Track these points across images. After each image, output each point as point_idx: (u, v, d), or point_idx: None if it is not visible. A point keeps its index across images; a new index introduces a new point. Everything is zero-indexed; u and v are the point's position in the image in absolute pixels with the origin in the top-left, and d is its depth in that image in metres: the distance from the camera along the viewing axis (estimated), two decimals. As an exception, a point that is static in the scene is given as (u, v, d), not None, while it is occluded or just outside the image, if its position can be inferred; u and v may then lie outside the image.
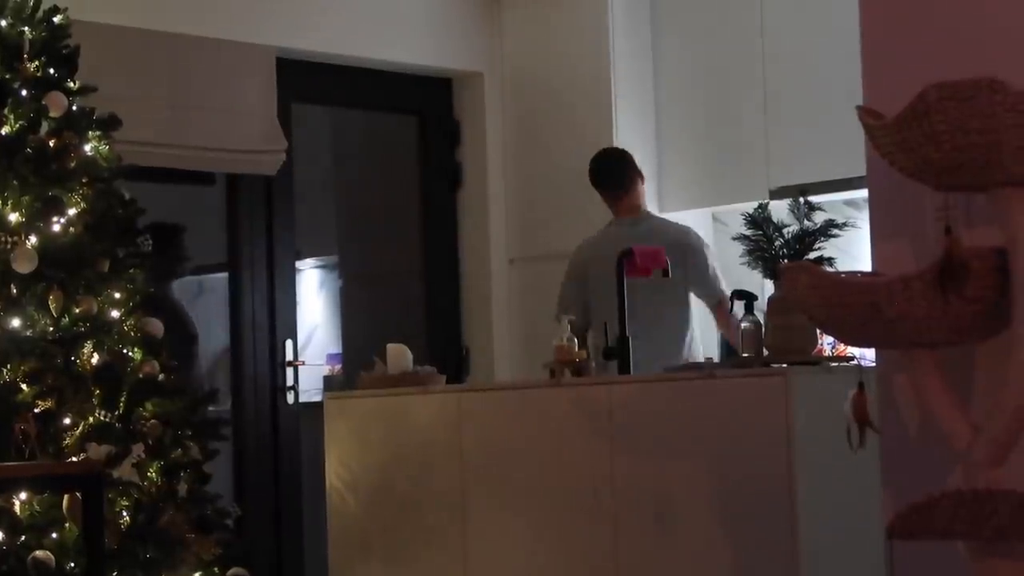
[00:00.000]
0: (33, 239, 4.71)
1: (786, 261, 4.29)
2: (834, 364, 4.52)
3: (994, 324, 2.85)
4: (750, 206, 4.76)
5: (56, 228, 4.77)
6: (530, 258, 7.27)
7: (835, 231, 4.37)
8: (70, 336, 4.69)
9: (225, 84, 6.48)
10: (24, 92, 4.85)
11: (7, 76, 4.85)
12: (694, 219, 6.56)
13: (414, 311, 7.49)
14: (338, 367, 8.67)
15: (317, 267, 9.18)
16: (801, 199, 4.42)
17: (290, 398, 6.84)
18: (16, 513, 4.50)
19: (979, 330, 2.87)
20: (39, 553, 4.41)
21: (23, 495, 4.50)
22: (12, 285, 4.68)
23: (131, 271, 4.95)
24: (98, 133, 4.98)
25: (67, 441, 4.61)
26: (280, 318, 6.85)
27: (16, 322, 4.65)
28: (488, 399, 5.23)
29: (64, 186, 4.82)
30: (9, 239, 4.68)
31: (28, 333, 4.66)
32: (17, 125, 4.80)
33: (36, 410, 4.56)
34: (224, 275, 7.02)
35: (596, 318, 5.65)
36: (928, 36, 3.11)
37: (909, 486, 3.08)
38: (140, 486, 4.71)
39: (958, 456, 2.93)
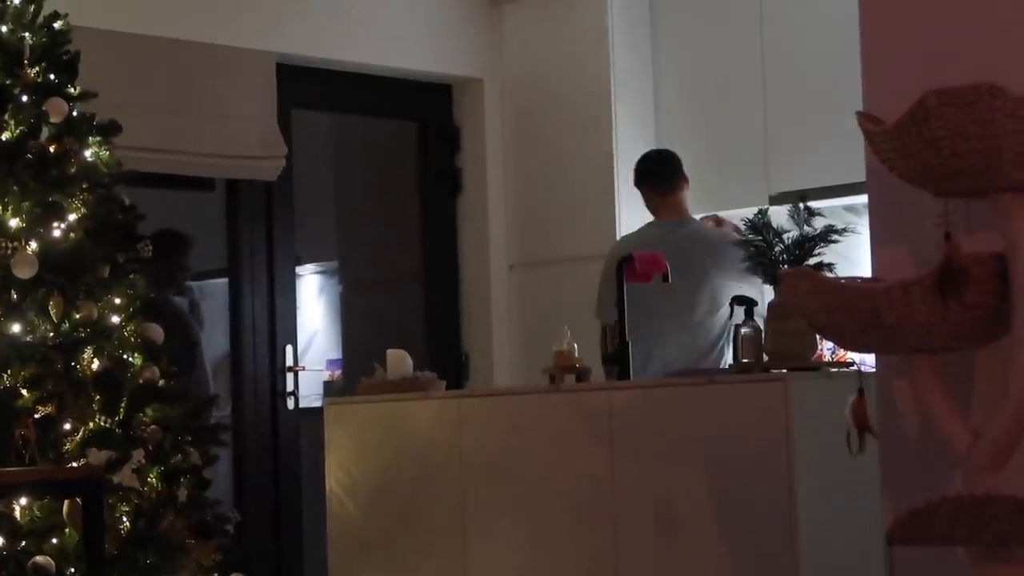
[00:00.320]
0: (33, 245, 4.71)
1: (786, 267, 4.29)
2: (834, 369, 4.52)
3: (994, 330, 2.85)
4: (750, 212, 4.76)
5: (56, 234, 4.77)
6: (530, 264, 7.27)
7: (835, 237, 4.38)
8: (70, 342, 4.69)
9: (225, 90, 6.48)
10: (24, 98, 4.85)
11: (7, 82, 4.85)
12: (694, 225, 6.56)
13: (414, 317, 7.50)
14: (338, 372, 8.68)
15: (317, 273, 9.19)
16: (801, 205, 4.43)
17: (290, 403, 6.85)
18: (16, 518, 4.50)
19: (979, 336, 2.88)
20: (39, 558, 4.41)
21: (23, 500, 4.49)
22: (12, 290, 4.67)
23: (131, 277, 4.95)
24: (98, 139, 4.98)
25: (67, 446, 4.60)
26: (280, 323, 6.85)
27: (16, 327, 4.65)
28: (488, 404, 5.24)
29: (64, 192, 4.82)
30: (9, 244, 4.68)
31: (28, 338, 4.65)
32: (17, 131, 4.80)
33: (36, 415, 4.56)
34: (224, 281, 7.03)
35: (632, 316, 5.68)
36: (928, 42, 3.12)
37: (909, 491, 3.08)
38: (140, 491, 4.71)
39: (958, 461, 2.93)
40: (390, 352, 5.53)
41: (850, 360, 4.86)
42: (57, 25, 4.99)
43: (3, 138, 4.78)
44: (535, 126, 7.27)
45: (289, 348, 6.86)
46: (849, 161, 4.42)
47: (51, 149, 4.83)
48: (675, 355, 5.70)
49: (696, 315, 5.73)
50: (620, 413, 4.67)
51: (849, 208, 6.04)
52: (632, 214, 6.86)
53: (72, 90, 4.97)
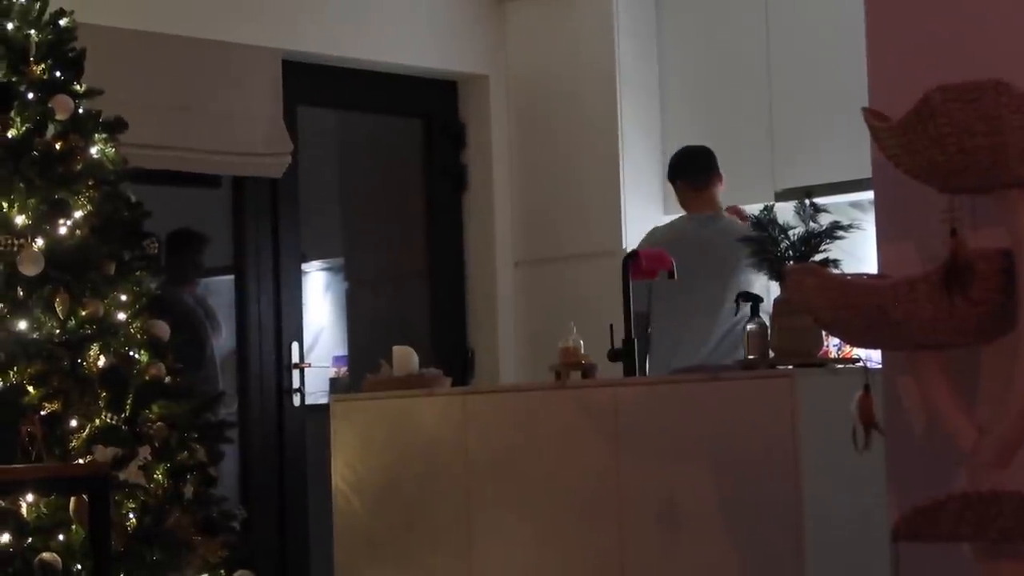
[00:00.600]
0: (39, 242, 4.72)
1: (792, 263, 4.29)
2: (840, 366, 4.52)
3: (1000, 326, 2.85)
4: (756, 208, 4.75)
5: (62, 231, 4.77)
6: (535, 260, 7.27)
7: (841, 233, 4.37)
8: (76, 339, 4.70)
9: (231, 87, 6.48)
10: (30, 95, 4.85)
11: (13, 79, 4.85)
12: (699, 221, 6.56)
13: (420, 313, 7.50)
14: (344, 369, 8.68)
15: (323, 269, 9.19)
16: (807, 201, 4.42)
17: (296, 400, 6.85)
18: (23, 515, 4.51)
19: (985, 332, 2.88)
20: (46, 555, 4.42)
21: (30, 497, 4.50)
22: (18, 287, 4.68)
23: (137, 274, 4.95)
24: (104, 136, 4.98)
25: (73, 443, 4.61)
26: (286, 320, 6.86)
27: (22, 324, 4.65)
28: (493, 401, 5.24)
29: (70, 189, 4.82)
30: (15, 242, 4.68)
31: (34, 335, 4.66)
32: (23, 128, 4.80)
33: (42, 412, 4.56)
34: (230, 278, 7.03)
35: (659, 310, 5.72)
36: (933, 38, 3.11)
37: (915, 488, 3.08)
38: (146, 488, 4.72)
39: (963, 458, 2.93)
40: (396, 349, 5.53)
41: (856, 356, 4.85)
42: (63, 22, 4.99)
43: (9, 135, 4.78)
44: (540, 123, 7.27)
45: (295, 345, 6.87)
46: (855, 157, 4.42)
47: (57, 146, 4.83)
48: (701, 351, 5.72)
49: (723, 311, 5.73)
50: (626, 410, 4.67)
51: (855, 204, 6.04)
52: (638, 211, 6.86)
53: (78, 87, 4.97)
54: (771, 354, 4.44)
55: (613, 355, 5.03)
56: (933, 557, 2.98)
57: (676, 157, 6.16)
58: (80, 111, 4.93)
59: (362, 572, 5.45)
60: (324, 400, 6.73)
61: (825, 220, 4.40)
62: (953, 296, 2.79)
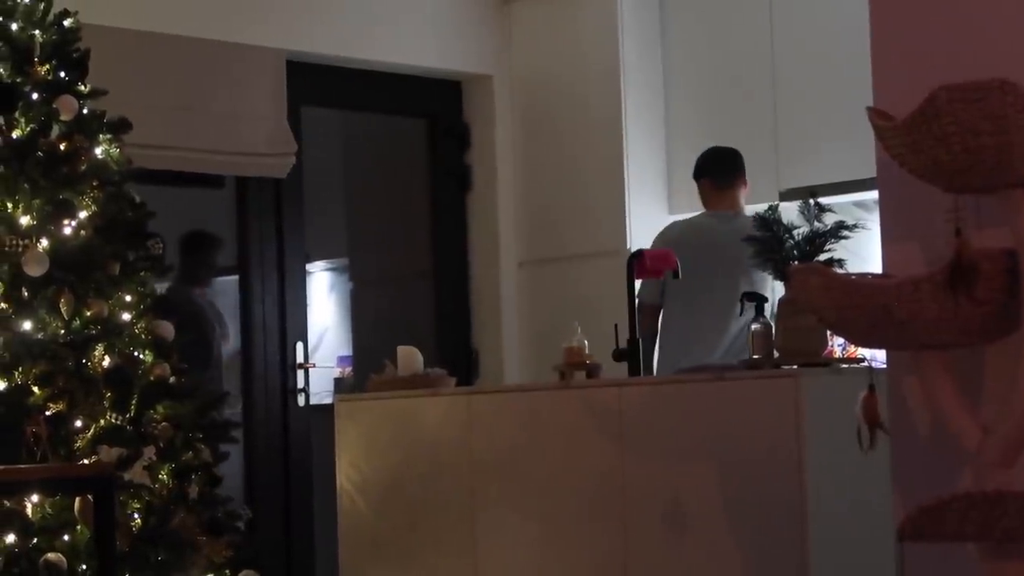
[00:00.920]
0: (44, 242, 4.72)
1: (796, 263, 4.29)
2: (844, 366, 4.52)
3: (1004, 325, 2.85)
4: (760, 207, 4.75)
5: (67, 231, 4.77)
6: (539, 261, 7.27)
7: (845, 233, 4.37)
8: (81, 339, 4.70)
9: (235, 87, 6.49)
10: (35, 95, 4.86)
11: (18, 79, 4.86)
12: (704, 221, 6.56)
13: (424, 313, 7.50)
14: (348, 369, 8.68)
15: (327, 270, 9.19)
16: (811, 201, 4.42)
17: (300, 400, 6.85)
18: (28, 515, 4.51)
19: (989, 332, 2.88)
20: (51, 555, 4.42)
21: (35, 497, 4.50)
22: (23, 288, 4.68)
23: (142, 274, 4.96)
24: (108, 136, 4.98)
25: (78, 444, 4.61)
26: (290, 321, 6.86)
27: (27, 325, 4.66)
28: (498, 401, 5.24)
29: (75, 189, 4.82)
30: (20, 242, 4.68)
31: (39, 336, 4.66)
32: (28, 128, 4.81)
33: (47, 413, 4.57)
34: (234, 278, 7.03)
35: (673, 306, 5.76)
36: (938, 37, 3.11)
37: (919, 487, 3.08)
38: (151, 489, 4.72)
39: (968, 458, 2.93)
40: (400, 349, 5.53)
41: (861, 356, 4.86)
42: (67, 23, 4.99)
43: (13, 136, 4.79)
44: (545, 123, 7.27)
45: (299, 345, 6.87)
46: (859, 157, 4.42)
47: (61, 147, 4.84)
48: (718, 349, 5.73)
49: (736, 309, 5.75)
50: (630, 409, 4.67)
51: (859, 204, 6.04)
52: (642, 210, 6.86)
53: (82, 88, 4.98)
54: (776, 354, 4.44)
55: (618, 355, 5.03)
56: (938, 557, 2.98)
57: (704, 155, 6.19)
58: (84, 111, 4.94)
59: (367, 572, 5.45)
60: (328, 400, 6.73)
61: (830, 220, 4.40)
62: (957, 296, 2.79)
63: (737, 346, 5.75)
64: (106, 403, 4.71)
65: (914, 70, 3.09)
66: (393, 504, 5.38)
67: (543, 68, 7.26)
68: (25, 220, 4.73)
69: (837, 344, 5.71)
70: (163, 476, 4.77)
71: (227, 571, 4.84)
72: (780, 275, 4.47)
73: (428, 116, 7.48)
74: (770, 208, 4.54)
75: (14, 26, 4.91)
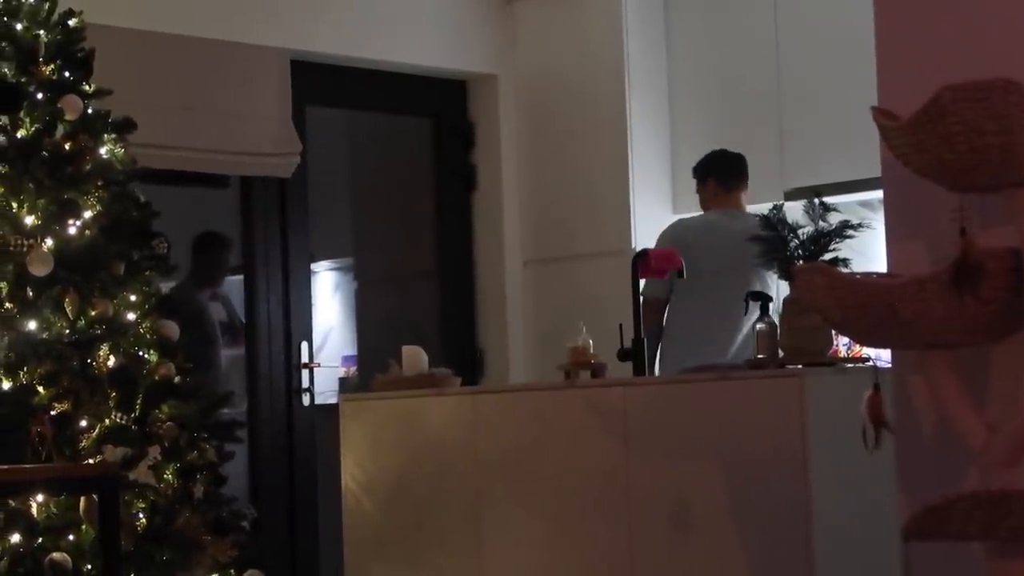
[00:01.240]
0: (49, 242, 4.72)
1: (801, 262, 4.28)
2: (849, 365, 4.51)
3: (1009, 324, 2.85)
4: (765, 207, 4.75)
5: (71, 231, 4.77)
6: (544, 260, 7.27)
7: (850, 232, 4.37)
8: (86, 339, 4.70)
9: (240, 87, 6.49)
10: (40, 95, 4.86)
11: (23, 79, 4.86)
12: (709, 221, 6.56)
13: (429, 313, 7.50)
14: (353, 369, 8.68)
15: (332, 269, 9.19)
16: (816, 200, 4.42)
17: (305, 400, 6.86)
18: (33, 515, 4.51)
19: (994, 331, 2.87)
20: (56, 555, 4.42)
21: (40, 497, 4.50)
22: (28, 288, 4.68)
23: (146, 273, 4.96)
24: (113, 136, 4.98)
25: (83, 443, 4.61)
26: (295, 320, 6.86)
27: (32, 325, 4.66)
28: (503, 401, 5.23)
29: (79, 189, 4.83)
30: (25, 242, 4.68)
31: (44, 336, 4.66)
32: (33, 128, 4.81)
33: (52, 412, 4.57)
34: (239, 278, 7.04)
35: (683, 302, 5.78)
36: (943, 37, 3.11)
37: (925, 487, 3.07)
38: (156, 488, 4.72)
39: (974, 457, 2.93)
40: (405, 348, 5.53)
41: (866, 356, 4.85)
42: (72, 23, 4.99)
43: (18, 135, 4.79)
44: (550, 122, 7.27)
45: (304, 345, 6.87)
46: (864, 156, 4.42)
47: (66, 146, 4.84)
48: (729, 348, 5.73)
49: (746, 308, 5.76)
50: (635, 409, 4.66)
51: (864, 203, 6.04)
52: (647, 210, 6.86)
53: (87, 87, 4.98)
54: (780, 353, 4.44)
55: (623, 355, 5.03)
56: (943, 557, 2.98)
57: (712, 156, 6.22)
58: (89, 111, 4.94)
59: (372, 571, 5.45)
60: (333, 400, 6.73)
61: (834, 219, 4.40)
62: (963, 295, 2.78)
63: (735, 341, 5.77)
64: (111, 403, 4.71)
65: (918, 70, 3.08)
66: (398, 504, 5.38)
67: (548, 68, 7.26)
68: (30, 220, 4.73)
69: (842, 343, 5.71)
70: (168, 476, 4.77)
71: (232, 571, 4.84)
72: (785, 274, 4.47)
73: (433, 116, 7.49)
74: (775, 208, 4.53)
75: (19, 26, 4.91)
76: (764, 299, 4.68)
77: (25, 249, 4.67)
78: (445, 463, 5.23)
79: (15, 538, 4.44)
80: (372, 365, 6.33)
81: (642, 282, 5.38)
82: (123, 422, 4.70)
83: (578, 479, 4.80)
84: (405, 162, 7.89)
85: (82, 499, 4.47)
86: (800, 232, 4.40)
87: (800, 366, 4.33)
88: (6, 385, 4.58)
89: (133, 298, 4.89)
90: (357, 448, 5.53)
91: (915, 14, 3.18)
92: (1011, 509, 2.78)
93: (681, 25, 7.08)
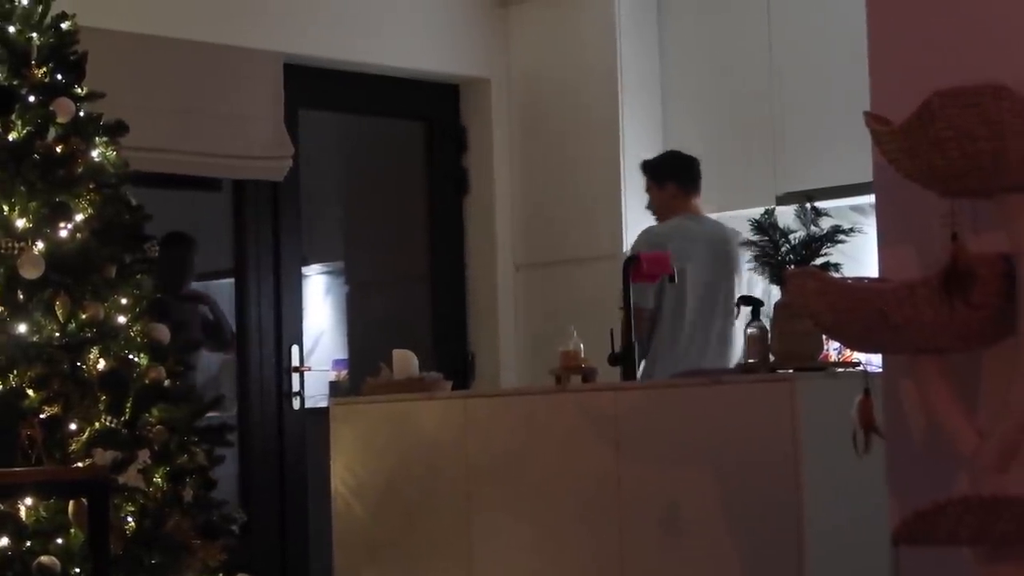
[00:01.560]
0: (40, 245, 4.71)
1: (792, 267, 4.29)
2: (840, 370, 4.52)
3: (1000, 330, 2.85)
4: (757, 212, 4.75)
5: (63, 234, 4.76)
6: (536, 264, 7.27)
7: (841, 237, 4.37)
8: (76, 342, 4.69)
9: (232, 90, 6.49)
10: (32, 98, 4.85)
11: (15, 82, 4.85)
12: (700, 225, 6.56)
13: (420, 317, 7.50)
14: (344, 373, 8.68)
15: (323, 273, 9.19)
16: (808, 205, 4.42)
17: (296, 404, 6.85)
18: (22, 519, 4.50)
19: (985, 336, 2.87)
20: (44, 559, 4.41)
21: (29, 500, 4.49)
22: (19, 291, 4.67)
23: (138, 277, 4.95)
24: (105, 139, 4.97)
25: (73, 447, 4.60)
26: (286, 324, 6.85)
27: (22, 328, 4.65)
28: (494, 405, 5.23)
29: (71, 192, 4.81)
30: (16, 245, 4.67)
31: (34, 339, 4.65)
32: (24, 131, 4.80)
33: (42, 416, 4.56)
34: (230, 281, 7.03)
35: (674, 309, 5.79)
36: (935, 42, 3.11)
37: (915, 492, 3.07)
38: (146, 492, 4.71)
39: (964, 462, 2.93)
40: (396, 352, 5.53)
41: (856, 360, 4.86)
42: (64, 25, 4.98)
43: (10, 138, 4.78)
44: (542, 126, 7.27)
45: (295, 348, 6.86)
46: (856, 161, 4.41)
47: (58, 149, 4.83)
48: (720, 354, 5.74)
49: (722, 308, 5.76)
50: (626, 414, 4.66)
51: (856, 208, 6.04)
52: (639, 214, 6.85)
53: (79, 90, 4.97)
54: (771, 358, 4.44)
55: (613, 359, 5.03)
56: (934, 561, 2.98)
57: (671, 159, 6.16)
58: (81, 114, 4.93)
59: (362, 575, 5.44)
60: (324, 404, 6.73)
61: (826, 224, 4.40)
62: (953, 300, 2.78)
63: (723, 346, 5.75)
64: (101, 406, 4.70)
65: (911, 75, 3.09)
66: (388, 508, 5.38)
67: (541, 71, 7.27)
68: (21, 223, 4.72)
69: (833, 348, 5.71)
70: (158, 479, 4.76)
71: (221, 575, 4.83)
72: (776, 279, 4.47)
73: (425, 119, 7.49)
74: (767, 212, 4.54)
75: (11, 28, 4.89)
76: (755, 303, 4.68)
77: (16, 252, 4.66)
78: (436, 467, 5.22)
79: (4, 541, 4.43)
80: (363, 369, 6.34)
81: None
82: (113, 425, 4.69)
83: (569, 483, 4.79)
84: (397, 165, 7.89)
85: (71, 502, 4.46)
86: (792, 237, 4.41)
87: (791, 371, 4.33)
88: (-4, 388, 4.57)
89: (124, 301, 4.88)
90: (348, 452, 5.53)
91: (907, 19, 3.18)
92: (1001, 514, 2.78)
93: (674, 29, 7.09)
